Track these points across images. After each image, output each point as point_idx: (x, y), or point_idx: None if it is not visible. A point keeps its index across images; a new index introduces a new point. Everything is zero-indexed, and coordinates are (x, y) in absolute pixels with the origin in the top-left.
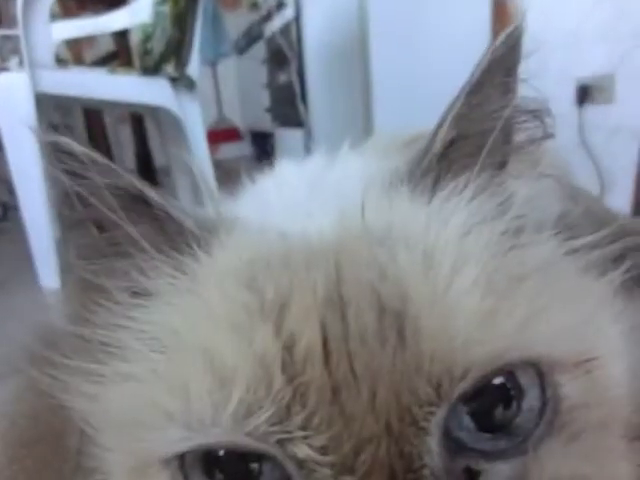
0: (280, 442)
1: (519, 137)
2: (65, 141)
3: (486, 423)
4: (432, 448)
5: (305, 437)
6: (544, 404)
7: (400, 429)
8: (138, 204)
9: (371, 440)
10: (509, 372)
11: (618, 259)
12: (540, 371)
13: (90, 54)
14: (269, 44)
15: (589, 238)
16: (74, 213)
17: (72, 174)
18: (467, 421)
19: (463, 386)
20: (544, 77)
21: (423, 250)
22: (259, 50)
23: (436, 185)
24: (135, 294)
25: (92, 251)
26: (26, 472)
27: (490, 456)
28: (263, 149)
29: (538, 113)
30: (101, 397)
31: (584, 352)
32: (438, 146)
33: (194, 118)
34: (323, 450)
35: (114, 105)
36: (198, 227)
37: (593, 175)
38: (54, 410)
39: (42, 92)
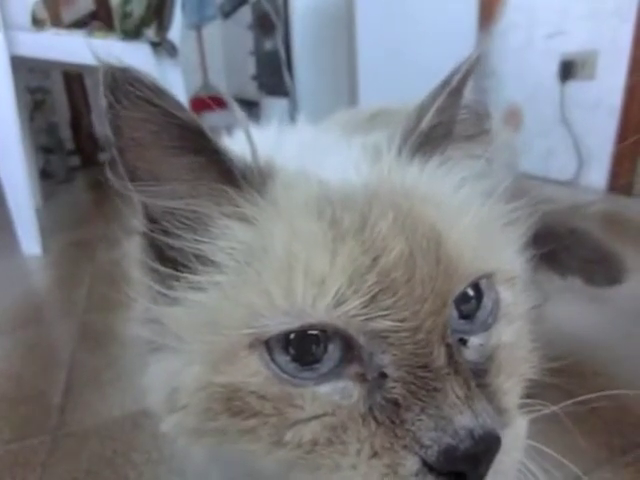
0: (364, 321)
1: (468, 130)
2: (135, 70)
3: (462, 314)
4: (447, 325)
5: (387, 315)
6: (493, 303)
7: (442, 309)
8: (198, 138)
9: (433, 313)
10: (477, 283)
11: (527, 221)
12: (492, 282)
13: (69, 14)
14: (255, 8)
15: (517, 203)
16: (139, 135)
17: (143, 100)
18: (454, 313)
19: (460, 288)
20: (530, 51)
21: (434, 201)
22: (245, 15)
23: (426, 156)
24: (211, 217)
25: (149, 174)
26: (11, 427)
27: (466, 333)
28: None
29: (481, 115)
30: (195, 301)
31: (511, 273)
32: (424, 128)
33: (176, 85)
34: (404, 320)
35: (93, 69)
36: (246, 166)
37: (572, 150)
38: (38, 371)
39: (18, 55)
